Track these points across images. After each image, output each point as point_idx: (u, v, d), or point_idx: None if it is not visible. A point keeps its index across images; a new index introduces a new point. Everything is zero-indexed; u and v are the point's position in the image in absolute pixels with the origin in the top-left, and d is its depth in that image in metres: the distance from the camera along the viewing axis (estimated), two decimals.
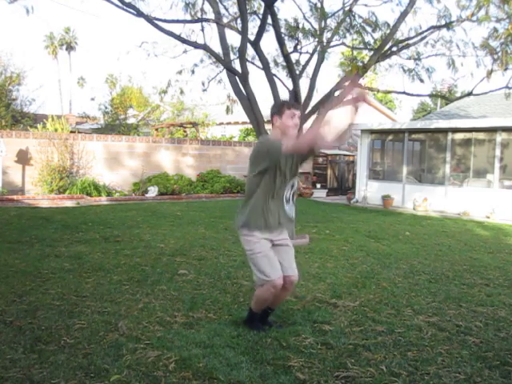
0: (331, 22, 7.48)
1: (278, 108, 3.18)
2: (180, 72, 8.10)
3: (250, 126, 17.91)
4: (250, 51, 7.32)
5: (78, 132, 15.68)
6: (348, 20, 7.15)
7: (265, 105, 9.59)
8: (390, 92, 9.14)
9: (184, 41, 6.81)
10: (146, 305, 3.85)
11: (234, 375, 2.67)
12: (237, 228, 3.27)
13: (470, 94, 7.60)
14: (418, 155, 13.40)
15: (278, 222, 3.21)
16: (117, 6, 6.16)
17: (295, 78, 6.85)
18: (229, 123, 21.29)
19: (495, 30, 6.70)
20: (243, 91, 7.08)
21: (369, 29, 7.17)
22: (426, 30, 7.12)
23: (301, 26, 7.31)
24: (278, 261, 3.22)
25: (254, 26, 7.58)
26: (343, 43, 7.40)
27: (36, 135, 12.21)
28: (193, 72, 8.10)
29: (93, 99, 20.49)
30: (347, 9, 7.08)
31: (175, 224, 8.30)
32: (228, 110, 8.33)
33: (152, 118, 21.39)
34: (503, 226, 9.63)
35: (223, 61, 7.12)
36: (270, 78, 7.09)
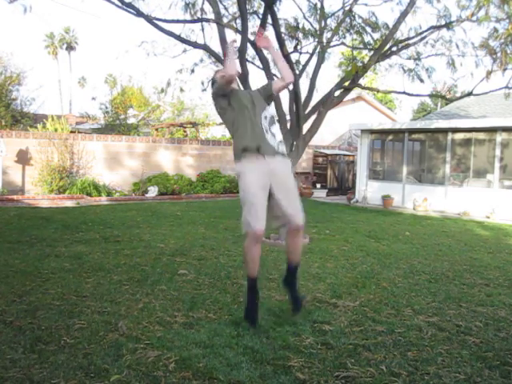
0: (331, 22, 7.48)
1: None
2: (180, 71, 8.09)
3: None
4: (250, 51, 7.32)
5: (78, 132, 15.69)
6: (348, 20, 7.14)
7: None
8: (390, 92, 9.13)
9: (184, 41, 6.80)
10: (146, 305, 3.85)
11: (234, 375, 2.67)
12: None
13: (470, 94, 7.59)
14: (418, 155, 13.40)
15: (258, 146, 3.31)
16: (117, 6, 6.16)
17: (295, 78, 6.85)
18: None
19: (495, 30, 6.69)
20: None
21: (369, 29, 7.17)
22: (426, 30, 7.11)
23: (301, 26, 7.30)
24: (280, 204, 3.29)
25: (253, 25, 7.59)
26: (343, 43, 7.40)
27: (36, 135, 12.21)
28: (192, 71, 8.09)
29: (94, 99, 20.54)
30: (347, 9, 7.08)
31: (175, 224, 8.30)
32: None
33: (152, 117, 21.39)
34: (503, 226, 9.63)
35: (223, 61, 7.11)
36: (270, 77, 7.09)
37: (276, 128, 3.50)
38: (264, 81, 7.20)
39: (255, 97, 3.50)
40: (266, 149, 3.33)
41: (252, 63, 7.70)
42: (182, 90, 8.42)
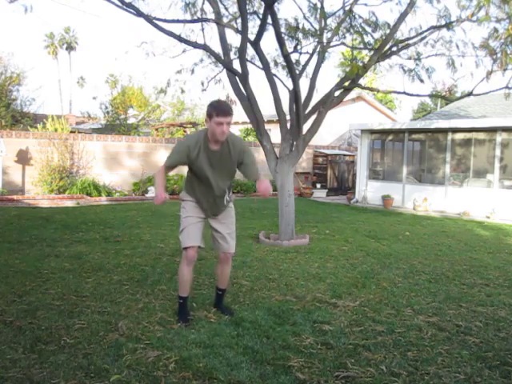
0: (331, 22, 7.47)
1: (209, 112, 3.14)
2: (180, 71, 8.08)
3: (250, 126, 17.90)
4: (250, 51, 7.31)
5: (78, 132, 15.68)
6: (348, 20, 7.13)
7: (265, 104, 9.53)
8: (390, 92, 9.12)
9: (184, 41, 6.78)
10: (146, 305, 3.85)
11: (234, 375, 2.67)
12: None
13: (470, 94, 7.57)
14: (418, 155, 13.39)
15: (207, 207, 3.47)
16: (117, 5, 6.14)
17: (295, 78, 6.84)
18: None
19: (495, 30, 6.68)
20: (243, 91, 7.07)
21: (369, 29, 7.16)
22: (426, 30, 7.10)
23: (301, 26, 7.29)
24: (213, 235, 3.57)
25: (253, 25, 7.58)
26: (343, 43, 7.39)
27: (36, 135, 12.21)
28: (192, 72, 8.07)
29: (94, 98, 20.54)
30: (347, 9, 7.07)
31: (175, 224, 8.29)
32: None
33: (152, 117, 21.39)
34: (503, 226, 9.63)
35: (223, 61, 7.10)
36: (270, 77, 7.08)
37: (228, 184, 3.51)
38: (264, 81, 7.23)
39: (224, 160, 3.33)
40: (214, 213, 3.53)
41: (252, 63, 7.69)
42: (182, 91, 8.40)
